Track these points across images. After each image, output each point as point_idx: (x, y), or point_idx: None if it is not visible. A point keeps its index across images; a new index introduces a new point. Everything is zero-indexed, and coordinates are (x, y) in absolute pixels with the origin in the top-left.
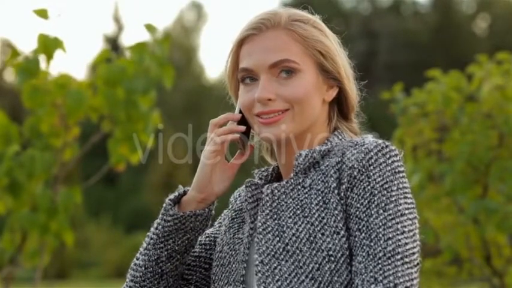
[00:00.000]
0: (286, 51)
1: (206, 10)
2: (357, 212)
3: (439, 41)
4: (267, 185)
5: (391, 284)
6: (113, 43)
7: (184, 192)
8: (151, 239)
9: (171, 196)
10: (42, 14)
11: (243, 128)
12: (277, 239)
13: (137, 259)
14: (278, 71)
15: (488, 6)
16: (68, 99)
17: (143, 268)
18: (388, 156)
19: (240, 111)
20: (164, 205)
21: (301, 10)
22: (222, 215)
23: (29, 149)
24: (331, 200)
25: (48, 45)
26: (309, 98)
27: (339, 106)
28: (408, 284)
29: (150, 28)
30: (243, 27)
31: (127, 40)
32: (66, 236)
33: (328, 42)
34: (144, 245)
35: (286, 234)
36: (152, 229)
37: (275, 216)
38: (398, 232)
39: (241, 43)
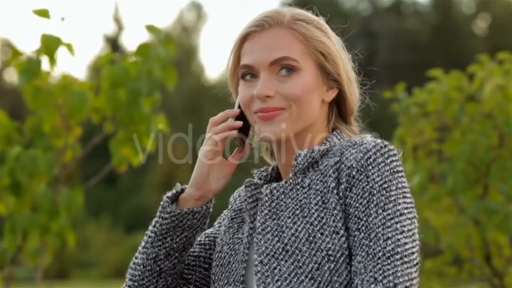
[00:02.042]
0: (287, 49)
1: (206, 10)
2: (356, 212)
3: (439, 41)
4: (266, 185)
5: (391, 284)
6: (113, 43)
7: (182, 190)
8: (149, 237)
9: (169, 194)
10: (43, 13)
11: (240, 123)
12: (277, 239)
13: (136, 258)
14: (278, 68)
15: (488, 6)
16: (70, 100)
17: (141, 266)
18: (386, 156)
19: (239, 107)
20: (162, 203)
21: (306, 11)
22: (222, 215)
23: (30, 149)
24: (330, 200)
25: (51, 46)
26: (307, 96)
27: (338, 108)
28: (408, 284)
29: (151, 29)
30: (246, 24)
31: (127, 40)
32: (68, 236)
33: (330, 43)
34: (143, 243)
35: (285, 234)
36: (150, 227)
37: (274, 216)
38: (398, 232)
39: (243, 40)
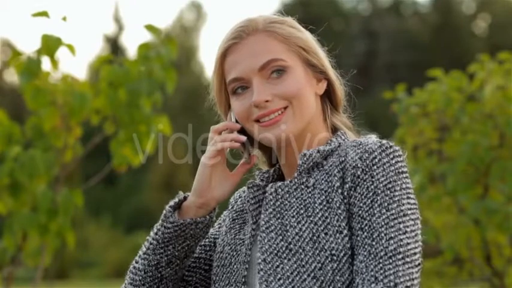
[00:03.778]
0: (271, 51)
1: (206, 10)
2: (360, 211)
3: (439, 41)
4: (271, 184)
5: (392, 284)
6: (113, 43)
7: (185, 198)
8: (150, 243)
9: (171, 203)
10: (42, 15)
11: (243, 138)
12: (280, 237)
13: (136, 262)
14: (268, 72)
15: (488, 6)
16: (71, 100)
17: (143, 272)
18: (391, 156)
19: (237, 122)
20: (164, 212)
21: (274, 14)
22: (222, 216)
23: (30, 150)
24: (335, 200)
25: (52, 46)
26: (304, 92)
27: (329, 100)
28: (408, 284)
29: (150, 29)
30: (222, 40)
31: (127, 40)
32: (67, 236)
33: (307, 38)
34: (144, 249)
35: (289, 233)
36: (152, 234)
37: (278, 215)
38: (401, 232)
39: (224, 55)
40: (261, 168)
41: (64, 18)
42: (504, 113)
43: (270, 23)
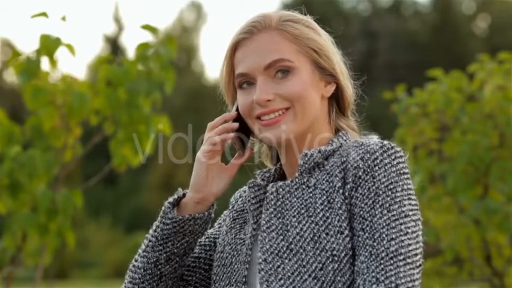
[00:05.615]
0: (279, 51)
1: (206, 10)
2: (361, 212)
3: (439, 41)
4: (272, 184)
5: (393, 285)
6: (113, 43)
7: (184, 195)
8: (150, 241)
9: (170, 199)
10: (41, 15)
11: (236, 124)
12: (281, 237)
13: (136, 261)
14: (274, 71)
15: (488, 7)
16: (70, 100)
17: (142, 270)
18: (393, 157)
19: (236, 110)
20: (163, 208)
21: (293, 11)
22: (222, 215)
23: (29, 149)
24: (336, 200)
25: (50, 46)
26: (307, 94)
27: (337, 103)
28: (410, 285)
29: (148, 28)
30: (234, 32)
31: (127, 40)
32: (67, 236)
33: (321, 40)
34: (143, 247)
35: (290, 233)
36: (151, 231)
37: (279, 215)
38: (402, 233)
39: (234, 48)
40: (261, 168)
41: (63, 18)
42: (504, 113)
43: (284, 21)
